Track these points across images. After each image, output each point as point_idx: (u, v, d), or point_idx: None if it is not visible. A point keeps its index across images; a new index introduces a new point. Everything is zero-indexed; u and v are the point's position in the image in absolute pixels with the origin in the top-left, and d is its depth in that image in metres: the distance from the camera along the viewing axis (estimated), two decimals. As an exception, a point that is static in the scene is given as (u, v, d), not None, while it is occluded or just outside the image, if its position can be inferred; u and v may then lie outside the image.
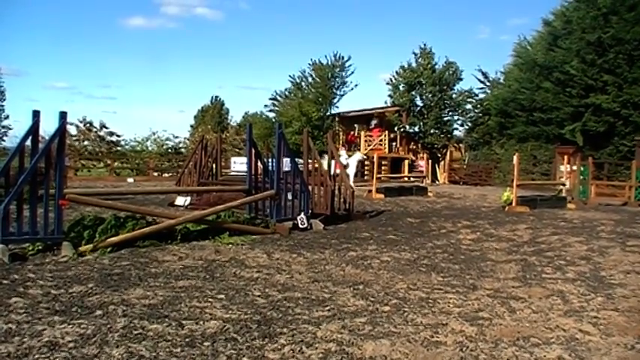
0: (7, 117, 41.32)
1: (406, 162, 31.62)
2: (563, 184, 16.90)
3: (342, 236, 8.73)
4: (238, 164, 26.76)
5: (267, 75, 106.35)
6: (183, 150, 38.48)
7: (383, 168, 29.08)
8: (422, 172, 27.39)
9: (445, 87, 33.41)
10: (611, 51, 24.70)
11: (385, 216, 11.90)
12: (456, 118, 34.62)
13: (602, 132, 25.00)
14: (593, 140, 25.26)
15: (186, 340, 3.70)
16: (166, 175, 30.01)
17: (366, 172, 27.74)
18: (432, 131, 33.21)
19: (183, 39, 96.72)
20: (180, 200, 12.83)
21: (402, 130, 33.59)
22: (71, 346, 3.49)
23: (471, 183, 28.29)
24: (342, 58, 36.84)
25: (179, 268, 6.03)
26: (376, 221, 10.95)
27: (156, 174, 29.84)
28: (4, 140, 39.53)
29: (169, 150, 38.33)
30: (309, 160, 10.92)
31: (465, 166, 32.43)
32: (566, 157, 17.88)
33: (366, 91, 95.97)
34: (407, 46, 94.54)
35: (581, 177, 16.79)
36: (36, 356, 3.31)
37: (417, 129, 33.95)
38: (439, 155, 33.34)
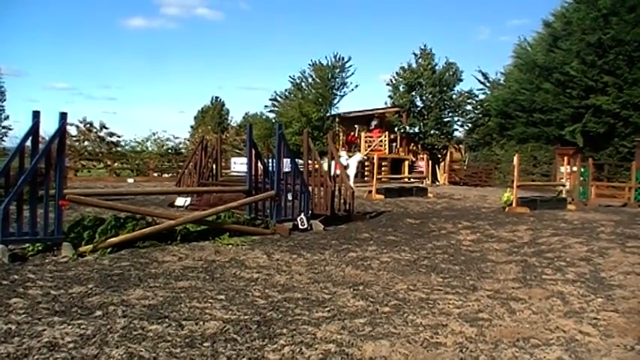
0: (7, 117, 41.39)
1: (406, 163, 31.63)
2: (564, 185, 16.89)
3: (342, 237, 8.73)
4: (238, 165, 26.76)
5: (267, 75, 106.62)
6: (183, 150, 38.49)
7: (383, 169, 29.07)
8: (422, 172, 27.38)
9: (445, 88, 33.39)
10: (611, 52, 24.70)
11: (385, 217, 11.90)
12: (456, 119, 34.62)
13: (602, 133, 24.99)
14: (594, 141, 25.25)
15: (186, 340, 3.70)
16: (166, 175, 30.02)
17: (366, 173, 27.74)
18: (432, 132, 33.20)
19: (183, 39, 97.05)
20: (181, 201, 12.83)
21: (402, 130, 33.58)
22: (71, 347, 3.49)
23: (471, 184, 28.29)
24: (343, 58, 36.85)
25: (179, 268, 6.03)
26: (376, 222, 10.95)
27: (156, 174, 29.85)
28: (4, 141, 39.60)
29: (169, 150, 38.33)
30: (310, 161, 10.92)
31: (465, 167, 32.42)
32: (566, 158, 17.87)
33: (366, 91, 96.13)
34: (407, 46, 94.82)
35: (582, 178, 16.78)
36: (36, 357, 3.31)
37: (417, 130, 33.93)
38: (439, 156, 33.34)
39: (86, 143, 35.06)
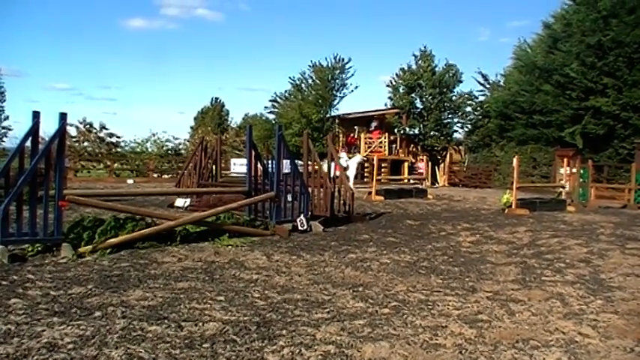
0: (7, 118, 41.31)
1: (406, 164, 31.63)
2: (563, 187, 16.88)
3: (342, 238, 8.73)
4: (238, 166, 26.75)
5: (267, 76, 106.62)
6: (183, 151, 38.49)
7: (383, 170, 29.06)
8: (421, 174, 27.38)
9: (445, 89, 33.42)
10: (611, 54, 24.73)
11: (385, 218, 11.90)
12: (455, 120, 34.67)
13: (601, 135, 25.02)
14: (593, 143, 25.27)
15: (186, 341, 3.70)
16: (166, 176, 30.02)
17: (365, 174, 27.75)
18: (431, 133, 33.22)
19: (183, 40, 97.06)
20: (180, 202, 12.83)
21: (401, 132, 33.59)
22: (70, 348, 3.49)
23: (470, 185, 28.28)
24: (342, 60, 36.81)
25: (178, 269, 6.03)
26: (376, 223, 10.95)
27: (155, 175, 29.86)
28: (4, 141, 39.53)
29: (169, 151, 38.33)
30: (309, 162, 10.92)
31: (464, 169, 32.42)
32: (565, 159, 17.83)
33: (366, 93, 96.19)
34: (407, 48, 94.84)
35: (581, 179, 16.78)
36: (35, 357, 3.31)
37: (416, 131, 33.96)
38: (439, 157, 33.35)
39: (86, 144, 35.07)
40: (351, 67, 36.95)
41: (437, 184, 29.39)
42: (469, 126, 34.43)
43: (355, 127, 34.32)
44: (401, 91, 34.24)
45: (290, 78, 38.86)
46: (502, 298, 5.15)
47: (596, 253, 7.79)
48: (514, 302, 5.01)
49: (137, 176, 28.70)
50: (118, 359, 3.34)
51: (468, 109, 34.19)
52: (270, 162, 9.91)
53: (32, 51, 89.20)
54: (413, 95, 33.84)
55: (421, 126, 33.54)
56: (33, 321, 3.99)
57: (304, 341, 3.77)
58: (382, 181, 22.51)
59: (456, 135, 35.31)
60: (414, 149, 33.89)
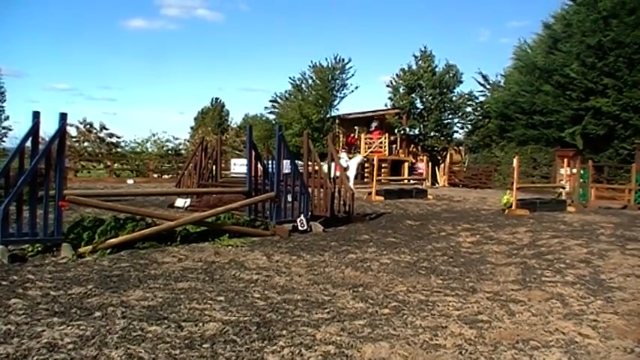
0: (7, 118, 41.31)
1: (406, 164, 31.64)
2: (563, 187, 16.88)
3: (342, 238, 8.73)
4: (238, 166, 26.75)
5: (268, 77, 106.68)
6: (183, 152, 38.50)
7: (383, 170, 29.08)
8: (422, 174, 27.40)
9: (445, 90, 33.42)
10: (611, 54, 24.73)
11: (385, 218, 11.90)
12: (456, 120, 34.65)
13: (602, 135, 25.02)
14: (593, 143, 25.27)
15: (186, 341, 3.70)
16: (166, 176, 30.04)
17: (366, 175, 27.76)
18: (432, 134, 33.22)
19: (183, 40, 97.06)
20: (180, 202, 12.83)
21: (402, 132, 33.59)
22: (70, 348, 3.49)
23: (470, 186, 28.29)
24: (343, 60, 36.86)
25: (178, 269, 6.03)
26: (376, 224, 10.95)
27: (156, 175, 29.87)
28: (4, 141, 39.51)
29: (169, 151, 38.34)
30: (309, 162, 10.92)
31: (464, 169, 32.42)
32: (566, 160, 17.84)
33: (367, 93, 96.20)
34: (407, 48, 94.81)
35: (581, 180, 16.78)
36: (35, 357, 3.31)
37: (417, 131, 33.96)
38: (439, 158, 33.35)
39: (86, 144, 35.09)
40: (351, 67, 37.04)
41: (437, 185, 29.39)
42: (469, 126, 34.44)
43: (355, 128, 34.36)
44: (401, 91, 34.24)
45: (290, 78, 38.94)
46: (502, 299, 5.15)
47: (596, 253, 7.79)
48: (514, 303, 5.01)
49: (137, 176, 28.71)
50: (118, 359, 3.34)
51: (468, 109, 34.20)
52: (270, 162, 9.91)
53: (32, 51, 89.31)
54: (413, 95, 33.84)
55: (421, 126, 33.53)
56: (33, 321, 3.99)
57: (304, 341, 3.77)
58: (382, 181, 22.51)
59: (456, 135, 35.35)
60: (414, 149, 33.91)
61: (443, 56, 42.34)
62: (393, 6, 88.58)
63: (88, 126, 34.96)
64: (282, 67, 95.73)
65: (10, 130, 40.86)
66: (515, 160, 14.67)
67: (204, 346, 3.63)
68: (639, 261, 7.22)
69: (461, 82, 34.12)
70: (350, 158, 22.74)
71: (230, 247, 7.49)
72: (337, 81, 36.94)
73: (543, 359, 3.60)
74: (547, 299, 5.17)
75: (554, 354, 3.68)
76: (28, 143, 6.67)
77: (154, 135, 38.29)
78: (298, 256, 7.03)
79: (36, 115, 6.59)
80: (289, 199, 9.64)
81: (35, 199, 6.55)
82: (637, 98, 23.94)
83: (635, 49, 24.13)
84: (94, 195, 9.01)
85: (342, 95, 37.32)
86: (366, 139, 32.09)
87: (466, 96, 33.97)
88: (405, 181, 25.99)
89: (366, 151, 30.24)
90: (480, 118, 33.24)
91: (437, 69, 33.74)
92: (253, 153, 9.36)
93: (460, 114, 34.27)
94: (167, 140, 38.60)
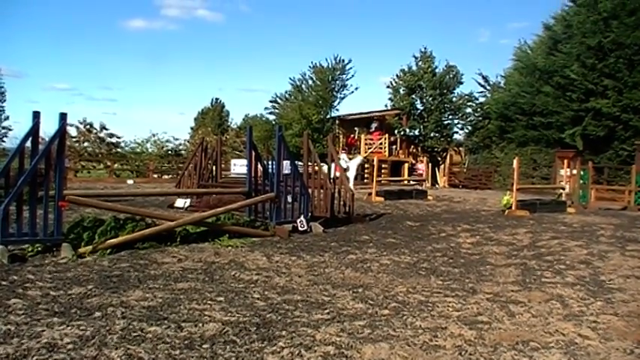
0: (7, 118, 41.39)
1: (406, 165, 31.65)
2: (563, 188, 16.88)
3: (342, 239, 8.73)
4: (238, 166, 26.76)
5: (268, 77, 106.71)
6: (183, 152, 38.54)
7: (383, 171, 29.09)
8: (422, 175, 27.41)
9: (445, 90, 33.46)
10: (611, 55, 24.74)
11: (385, 219, 11.90)
12: (456, 121, 34.70)
13: (602, 136, 25.02)
14: (593, 144, 25.27)
15: (185, 342, 3.70)
16: (166, 177, 30.04)
17: (366, 176, 27.76)
18: (432, 135, 33.24)
19: (183, 41, 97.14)
20: (180, 202, 12.83)
21: (402, 133, 33.62)
22: (70, 348, 3.48)
23: (470, 187, 28.30)
24: (343, 60, 36.91)
25: (178, 270, 6.03)
26: (376, 224, 10.95)
27: (156, 176, 29.87)
28: (4, 141, 39.55)
29: (169, 152, 38.39)
30: (309, 163, 10.92)
31: (464, 170, 32.44)
32: (566, 161, 17.90)
33: (367, 94, 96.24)
34: (407, 49, 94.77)
35: (581, 181, 16.78)
36: (35, 357, 3.31)
37: (417, 132, 33.98)
38: (439, 159, 33.37)
39: (86, 144, 35.11)
40: (351, 68, 37.10)
41: (437, 186, 29.40)
42: (469, 127, 34.46)
43: (355, 128, 34.37)
44: (401, 92, 34.28)
45: (290, 79, 39.04)
46: (502, 300, 5.14)
47: (596, 254, 7.79)
48: (514, 304, 5.01)
49: (137, 177, 28.74)
50: (118, 359, 3.34)
51: (469, 110, 34.24)
52: (270, 163, 9.91)
53: (32, 51, 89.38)
54: (413, 96, 33.87)
55: (421, 127, 33.56)
56: (33, 321, 3.99)
57: (304, 342, 3.77)
58: (382, 182, 22.51)
59: (456, 136, 35.41)
60: (414, 150, 33.92)
61: (443, 57, 42.27)
62: (393, 7, 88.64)
63: (88, 126, 35.00)
64: (282, 68, 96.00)
65: (10, 130, 40.97)
66: (515, 161, 14.67)
67: (203, 346, 3.63)
68: (639, 262, 7.22)
69: (461, 82, 34.21)
70: (350, 159, 22.72)
71: (230, 248, 7.49)
72: (337, 82, 37.00)
73: (543, 360, 3.60)
74: (547, 300, 5.16)
75: (554, 355, 3.68)
76: (28, 143, 6.67)
77: (154, 135, 38.40)
78: (298, 257, 7.03)
79: (36, 115, 6.59)
80: (289, 199, 9.64)
81: (35, 199, 6.55)
82: (637, 99, 23.94)
83: (635, 50, 24.14)
84: (94, 195, 9.01)
85: (342, 96, 37.41)
86: (366, 139, 32.11)
87: (466, 97, 34.01)
88: (405, 182, 25.98)
89: (366, 152, 30.25)
90: (480, 119, 33.25)
91: (437, 70, 33.80)
92: (253, 153, 9.37)
93: (460, 115, 34.30)
94: (167, 141, 38.73)
